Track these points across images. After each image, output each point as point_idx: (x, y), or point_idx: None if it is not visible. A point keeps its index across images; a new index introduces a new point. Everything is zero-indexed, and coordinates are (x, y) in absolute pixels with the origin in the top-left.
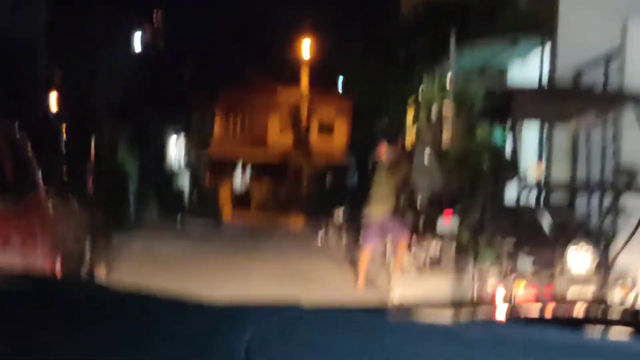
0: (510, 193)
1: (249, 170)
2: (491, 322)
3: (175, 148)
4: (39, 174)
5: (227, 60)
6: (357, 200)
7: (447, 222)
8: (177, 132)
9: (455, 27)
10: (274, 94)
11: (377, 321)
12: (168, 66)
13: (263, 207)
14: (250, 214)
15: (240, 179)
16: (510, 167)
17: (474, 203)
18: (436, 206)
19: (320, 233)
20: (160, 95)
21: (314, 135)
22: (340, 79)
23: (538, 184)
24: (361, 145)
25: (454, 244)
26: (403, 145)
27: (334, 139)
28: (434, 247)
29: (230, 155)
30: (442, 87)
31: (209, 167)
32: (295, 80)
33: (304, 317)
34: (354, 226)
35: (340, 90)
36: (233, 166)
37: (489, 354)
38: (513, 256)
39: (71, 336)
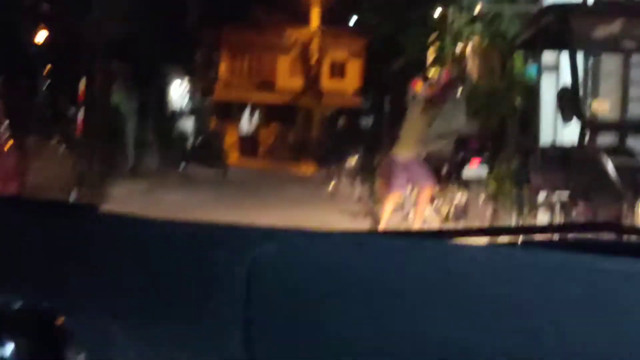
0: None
1: (256, 115)
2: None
3: (178, 90)
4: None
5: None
6: (372, 146)
7: (475, 168)
8: (179, 73)
9: None
10: (283, 34)
11: (388, 243)
12: (170, 4)
13: (272, 153)
14: (258, 160)
15: (247, 123)
16: (571, 105)
17: (507, 147)
18: (463, 151)
19: (333, 181)
20: (162, 32)
21: (325, 78)
22: (354, 17)
23: (598, 125)
24: (377, 86)
25: (482, 195)
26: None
27: (346, 81)
28: (459, 197)
29: (236, 99)
30: (470, 15)
31: (214, 111)
32: (305, 19)
33: (309, 239)
34: (370, 173)
35: (354, 29)
36: (240, 110)
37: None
38: (567, 209)
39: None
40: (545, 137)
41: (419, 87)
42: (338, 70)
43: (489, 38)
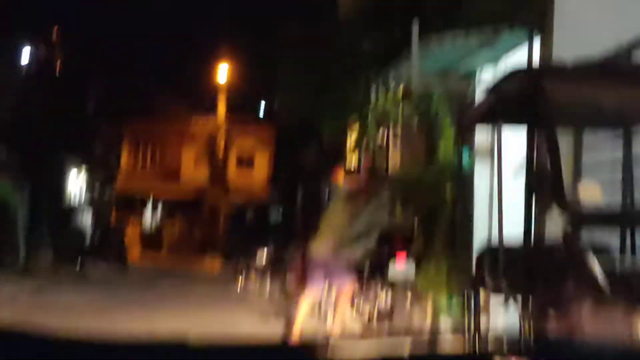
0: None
1: (160, 208)
2: None
3: (76, 181)
4: None
5: (137, 85)
6: (283, 240)
7: (401, 266)
8: (77, 163)
9: (413, 19)
10: (188, 124)
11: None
12: (68, 88)
13: (176, 248)
14: (162, 256)
15: (150, 216)
16: (551, 191)
17: (437, 243)
18: (388, 247)
19: (241, 278)
20: (58, 120)
21: (232, 169)
22: (262, 105)
23: (586, 215)
24: (288, 177)
25: (409, 295)
26: (371, 169)
27: (255, 172)
28: (384, 297)
29: (139, 191)
30: (395, 97)
31: (115, 204)
32: (211, 108)
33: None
34: (282, 270)
35: (263, 116)
36: (143, 203)
37: None
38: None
39: None
40: (481, 232)
41: (340, 177)
42: (246, 161)
43: (418, 119)
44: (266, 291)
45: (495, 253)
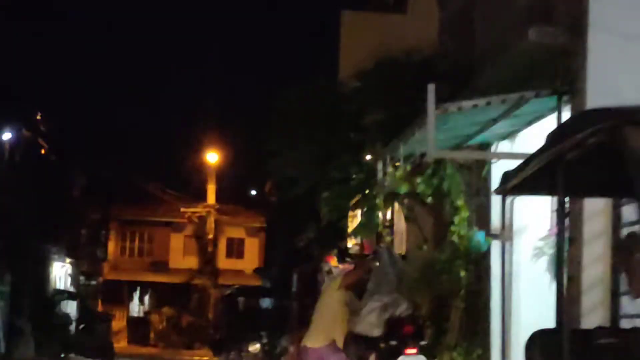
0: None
1: (147, 297)
2: None
3: (60, 272)
4: None
5: (124, 172)
6: (277, 329)
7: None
8: (62, 254)
9: (428, 84)
10: (177, 212)
11: None
12: (51, 175)
13: (164, 338)
14: (150, 347)
15: (137, 306)
16: None
17: (452, 333)
18: (395, 338)
19: None
20: (40, 209)
21: (221, 258)
22: (253, 192)
23: None
24: (281, 265)
25: None
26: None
27: (245, 260)
28: None
29: (126, 280)
30: (405, 173)
31: (101, 295)
32: (201, 196)
33: None
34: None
35: (253, 204)
36: (129, 292)
37: None
38: None
39: None
40: (498, 318)
41: (333, 262)
42: (236, 249)
43: (430, 196)
44: None
45: (549, 336)
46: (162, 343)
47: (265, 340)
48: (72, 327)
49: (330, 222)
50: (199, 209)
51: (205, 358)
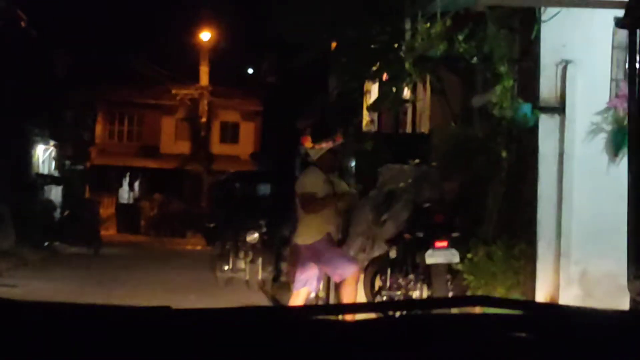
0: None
1: (137, 183)
2: None
3: (43, 156)
4: None
5: (110, 50)
6: (277, 216)
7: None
8: (45, 136)
9: None
10: (168, 94)
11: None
12: (33, 53)
13: (155, 226)
14: (140, 235)
15: (127, 193)
16: None
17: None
18: (422, 229)
19: (227, 263)
20: (21, 89)
21: (215, 143)
22: (250, 70)
23: None
24: (279, 149)
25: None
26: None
27: (239, 147)
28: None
29: (115, 166)
30: (438, 32)
31: (89, 180)
32: (193, 77)
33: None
34: (274, 253)
35: (248, 86)
36: (119, 179)
37: None
38: None
39: None
40: (547, 206)
41: (308, 143)
42: (231, 133)
43: (467, 60)
44: (258, 276)
45: None
46: (152, 231)
47: (264, 229)
48: (56, 214)
49: (341, 97)
50: (192, 91)
51: (198, 247)
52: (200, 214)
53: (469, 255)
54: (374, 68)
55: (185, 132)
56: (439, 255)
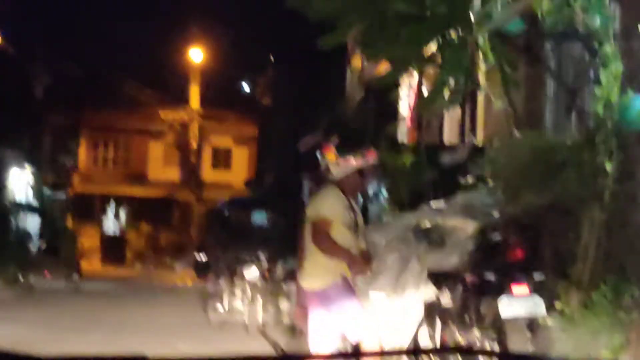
0: None
1: (123, 212)
2: None
3: (19, 182)
4: None
5: (96, 71)
6: (277, 251)
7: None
8: (22, 161)
9: None
10: (156, 117)
11: None
12: (11, 72)
13: (142, 259)
14: (125, 268)
15: (112, 223)
16: None
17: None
18: (488, 268)
19: (222, 303)
20: None
21: (206, 169)
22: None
23: None
24: (278, 175)
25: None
26: None
27: (232, 174)
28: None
29: (99, 194)
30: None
31: (71, 209)
32: (183, 100)
33: None
34: (275, 290)
35: (242, 109)
36: (103, 208)
37: None
38: None
39: None
40: None
41: (331, 155)
42: (223, 159)
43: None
44: (258, 318)
45: None
46: (139, 264)
47: (265, 265)
48: (33, 246)
49: (371, 98)
50: (181, 114)
51: (188, 282)
52: (190, 246)
53: (559, 305)
54: (428, 51)
55: (174, 158)
56: (518, 304)
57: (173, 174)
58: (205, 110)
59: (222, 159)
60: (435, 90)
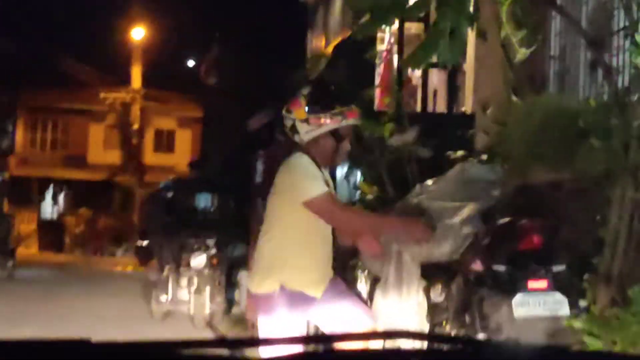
0: None
1: (62, 196)
2: None
3: None
4: None
5: (34, 48)
6: (226, 236)
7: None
8: None
9: None
10: (97, 98)
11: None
12: None
13: (81, 244)
14: (64, 254)
15: (51, 207)
16: None
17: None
18: (497, 258)
19: (166, 292)
20: None
21: (148, 152)
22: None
23: None
24: (226, 155)
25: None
26: None
27: (175, 157)
28: None
29: (37, 177)
30: None
31: (6, 193)
32: (124, 80)
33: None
34: (228, 277)
35: (186, 90)
36: (41, 191)
37: None
38: None
39: None
40: None
41: (299, 111)
42: (166, 141)
43: None
44: (205, 309)
45: None
46: (78, 250)
47: (212, 250)
48: None
49: (341, 58)
50: (122, 95)
51: (129, 267)
52: (132, 231)
53: (585, 303)
54: None
55: (115, 141)
56: (536, 302)
57: (114, 156)
58: (147, 90)
59: (165, 141)
60: (428, 43)
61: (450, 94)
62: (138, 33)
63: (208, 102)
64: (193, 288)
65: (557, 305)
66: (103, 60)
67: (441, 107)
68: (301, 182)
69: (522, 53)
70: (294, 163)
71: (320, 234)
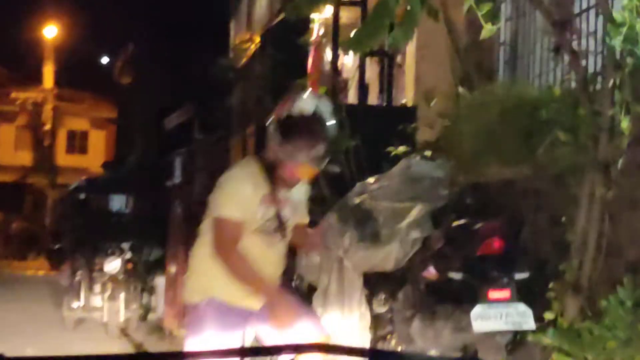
0: None
1: None
2: None
3: None
4: None
5: None
6: (142, 240)
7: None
8: None
9: None
10: (7, 98)
11: None
12: None
13: None
14: None
15: None
16: None
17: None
18: (453, 264)
19: (78, 299)
20: None
21: (61, 153)
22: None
23: None
24: (143, 155)
25: None
26: None
27: (89, 158)
28: None
29: None
30: None
31: None
32: (36, 79)
33: None
34: (140, 284)
35: (100, 90)
36: None
37: None
38: None
39: None
40: None
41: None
42: (79, 142)
43: None
44: (119, 316)
45: None
46: None
47: (128, 255)
48: None
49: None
50: (34, 94)
51: (40, 272)
52: (43, 233)
53: (550, 316)
54: None
55: (26, 141)
56: (497, 314)
57: (25, 158)
58: (60, 90)
59: (78, 142)
60: (373, 23)
61: (385, 86)
62: (50, 30)
63: (123, 101)
64: (107, 294)
65: (521, 317)
66: (13, 58)
67: (374, 100)
68: (220, 197)
69: (488, 30)
70: (229, 173)
71: (260, 243)
